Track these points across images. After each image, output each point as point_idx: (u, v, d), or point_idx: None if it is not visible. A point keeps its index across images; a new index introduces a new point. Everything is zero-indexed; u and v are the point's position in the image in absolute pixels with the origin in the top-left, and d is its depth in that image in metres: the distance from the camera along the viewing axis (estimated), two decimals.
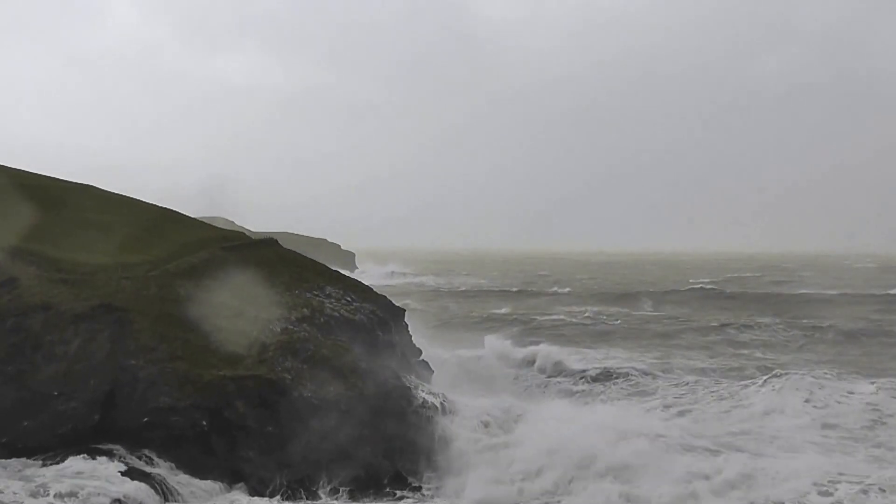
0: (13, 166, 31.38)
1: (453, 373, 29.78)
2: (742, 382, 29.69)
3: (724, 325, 50.90)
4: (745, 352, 42.54)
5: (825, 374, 29.33)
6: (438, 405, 21.23)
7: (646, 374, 32.81)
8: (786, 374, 28.67)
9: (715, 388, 28.97)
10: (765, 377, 28.77)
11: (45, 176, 31.56)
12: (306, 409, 19.63)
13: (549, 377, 33.16)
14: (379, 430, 20.06)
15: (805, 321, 51.74)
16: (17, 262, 22.64)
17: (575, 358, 35.46)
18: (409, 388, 21.85)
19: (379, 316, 25.65)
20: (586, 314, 57.57)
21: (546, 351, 35.70)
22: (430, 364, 27.56)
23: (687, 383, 30.40)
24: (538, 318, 55.71)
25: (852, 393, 26.77)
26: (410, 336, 27.64)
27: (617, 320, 54.45)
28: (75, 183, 32.20)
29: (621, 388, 30.60)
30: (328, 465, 19.07)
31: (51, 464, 17.95)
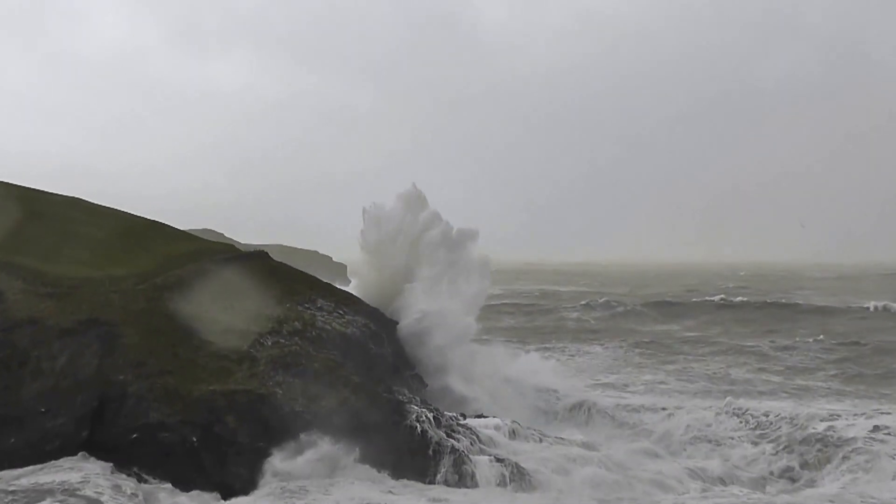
0: None
1: None
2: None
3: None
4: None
5: None
6: (432, 419, 20.95)
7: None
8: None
9: None
10: None
11: (30, 188, 31.26)
12: (298, 425, 19.34)
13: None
14: (372, 444, 19.76)
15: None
16: (3, 275, 22.34)
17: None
18: (402, 402, 21.61)
19: (372, 329, 25.41)
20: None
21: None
22: None
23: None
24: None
25: None
26: (403, 349, 27.40)
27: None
28: (62, 195, 31.93)
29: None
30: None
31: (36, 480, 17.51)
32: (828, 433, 23.43)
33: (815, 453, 22.53)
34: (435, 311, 29.72)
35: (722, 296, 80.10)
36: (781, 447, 23.45)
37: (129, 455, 18.62)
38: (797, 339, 50.37)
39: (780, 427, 24.85)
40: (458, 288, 32.83)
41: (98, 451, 18.61)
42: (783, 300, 78.55)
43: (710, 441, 24.83)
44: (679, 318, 67.71)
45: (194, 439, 18.78)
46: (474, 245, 35.12)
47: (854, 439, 22.64)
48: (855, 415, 25.23)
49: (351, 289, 32.48)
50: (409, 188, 35.46)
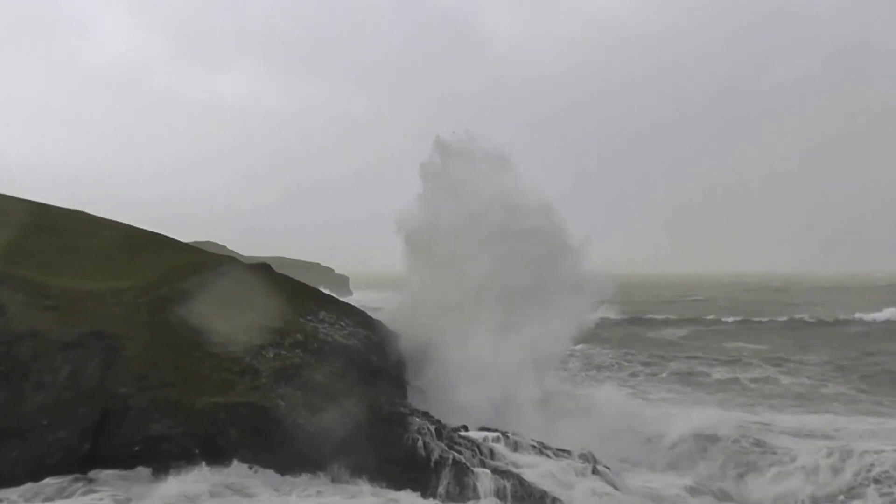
0: None
1: None
2: None
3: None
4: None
5: None
6: (434, 431, 20.86)
7: None
8: None
9: None
10: None
11: (31, 200, 31.27)
12: (300, 437, 19.27)
13: None
14: (373, 457, 19.69)
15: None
16: (4, 288, 22.28)
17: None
18: (404, 414, 21.53)
19: (374, 341, 25.32)
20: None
21: None
22: None
23: None
24: None
25: None
26: (405, 361, 27.24)
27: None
28: (63, 207, 31.94)
29: None
30: None
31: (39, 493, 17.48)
32: (837, 444, 23.16)
33: (829, 466, 21.93)
34: (461, 364, 24.63)
35: (731, 317, 79.80)
36: (790, 461, 22.96)
37: (130, 467, 18.56)
38: (808, 347, 50.40)
39: (788, 439, 24.63)
40: (530, 328, 23.95)
41: (100, 463, 18.58)
42: (790, 314, 78.39)
43: (716, 454, 24.47)
44: (685, 328, 67.71)
45: (196, 451, 18.74)
46: (585, 259, 24.60)
47: (867, 451, 22.29)
48: (867, 428, 25.00)
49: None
50: (486, 144, 24.03)
